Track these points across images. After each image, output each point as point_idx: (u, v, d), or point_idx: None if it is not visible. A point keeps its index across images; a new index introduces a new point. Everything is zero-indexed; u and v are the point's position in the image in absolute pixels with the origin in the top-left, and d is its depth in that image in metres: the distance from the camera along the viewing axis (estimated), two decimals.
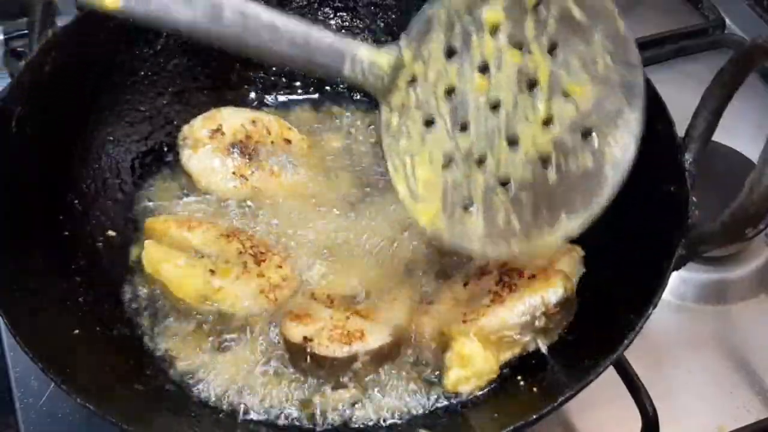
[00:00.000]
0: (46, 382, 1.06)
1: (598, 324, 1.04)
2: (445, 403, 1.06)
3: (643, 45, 1.64)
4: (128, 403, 0.93)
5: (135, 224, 1.24)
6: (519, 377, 1.06)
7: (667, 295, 1.11)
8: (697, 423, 1.17)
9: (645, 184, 1.08)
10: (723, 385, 1.22)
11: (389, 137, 0.97)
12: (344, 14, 1.41)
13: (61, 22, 1.18)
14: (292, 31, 0.93)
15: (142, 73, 1.30)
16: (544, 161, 0.97)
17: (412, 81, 0.96)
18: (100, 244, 1.19)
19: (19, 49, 1.52)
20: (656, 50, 1.65)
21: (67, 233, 1.13)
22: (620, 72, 0.95)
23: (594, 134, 0.96)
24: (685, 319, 1.29)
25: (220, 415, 1.04)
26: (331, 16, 1.41)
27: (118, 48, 1.26)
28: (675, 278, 1.14)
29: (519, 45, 0.95)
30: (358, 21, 1.41)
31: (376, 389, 1.06)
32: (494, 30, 0.95)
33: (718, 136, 1.02)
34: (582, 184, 0.97)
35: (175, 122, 1.34)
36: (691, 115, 1.00)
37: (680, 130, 1.04)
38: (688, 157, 1.01)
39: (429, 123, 0.97)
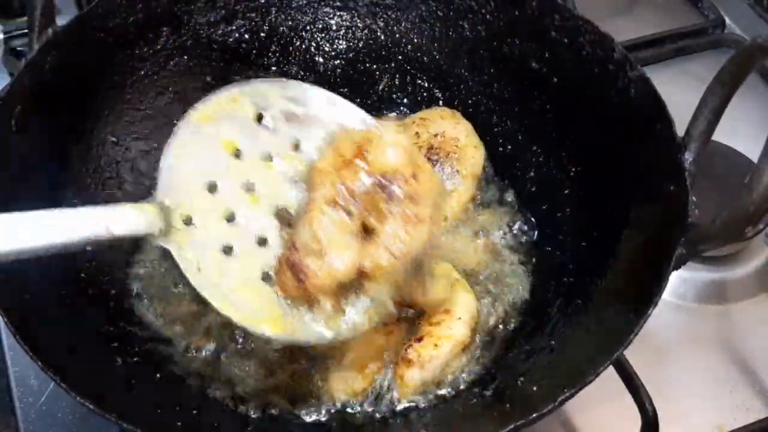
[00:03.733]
0: (46, 381, 1.07)
1: (599, 323, 1.04)
2: (444, 402, 1.06)
3: (643, 45, 1.65)
4: (128, 402, 0.93)
5: None
6: (519, 377, 1.06)
7: (667, 295, 1.11)
8: (697, 422, 1.17)
9: (645, 183, 1.08)
10: (723, 384, 1.22)
11: (193, 274, 0.93)
12: (344, 14, 1.41)
13: (61, 22, 1.18)
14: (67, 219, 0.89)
15: (142, 73, 1.30)
16: None
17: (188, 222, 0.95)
18: None
19: (19, 48, 1.52)
20: (656, 50, 1.66)
21: None
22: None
23: None
24: (685, 319, 1.29)
25: (222, 415, 1.05)
26: (331, 15, 1.41)
27: (118, 48, 1.26)
28: (675, 278, 1.14)
29: (268, 157, 0.99)
30: (358, 21, 1.41)
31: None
32: (237, 153, 0.98)
33: (718, 136, 1.02)
34: None
35: (175, 122, 1.33)
36: (691, 115, 1.00)
37: (680, 130, 1.04)
38: (688, 156, 1.01)
39: (228, 249, 0.95)
